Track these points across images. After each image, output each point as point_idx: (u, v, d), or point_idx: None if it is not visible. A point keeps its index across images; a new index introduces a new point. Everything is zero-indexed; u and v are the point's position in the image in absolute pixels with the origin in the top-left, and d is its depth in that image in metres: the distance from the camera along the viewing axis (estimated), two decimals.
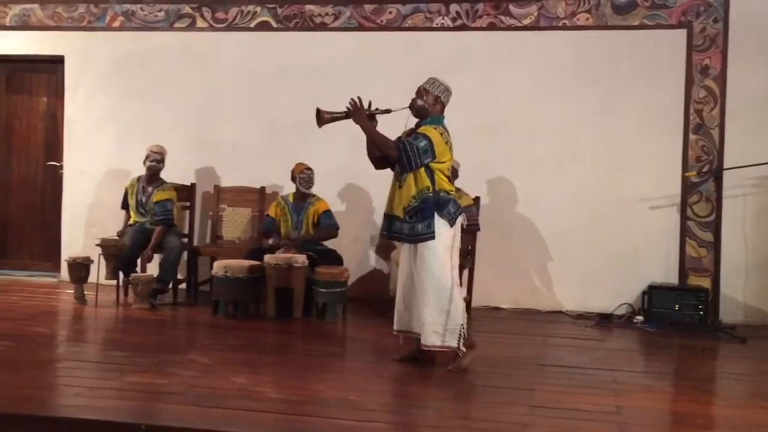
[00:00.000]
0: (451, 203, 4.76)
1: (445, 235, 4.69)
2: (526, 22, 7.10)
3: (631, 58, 6.91)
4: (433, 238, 4.68)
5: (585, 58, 6.98)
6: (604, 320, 6.54)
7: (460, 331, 4.69)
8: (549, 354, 5.54)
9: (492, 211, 6.92)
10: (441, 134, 4.83)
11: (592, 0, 6.96)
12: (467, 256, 6.54)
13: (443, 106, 5.05)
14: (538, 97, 7.02)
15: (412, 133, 4.97)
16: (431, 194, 4.73)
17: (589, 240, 6.92)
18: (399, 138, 4.99)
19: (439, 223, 4.68)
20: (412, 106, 5.04)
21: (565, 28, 7.02)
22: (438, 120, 4.96)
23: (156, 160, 6.92)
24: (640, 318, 6.53)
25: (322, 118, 5.18)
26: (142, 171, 7.05)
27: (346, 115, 5.13)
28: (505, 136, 6.90)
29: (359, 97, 4.98)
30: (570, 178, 6.97)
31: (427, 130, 4.84)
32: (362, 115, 5.06)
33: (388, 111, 5.14)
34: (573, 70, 7.00)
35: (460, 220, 4.79)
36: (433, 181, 4.76)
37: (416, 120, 5.01)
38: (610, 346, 5.83)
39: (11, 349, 4.97)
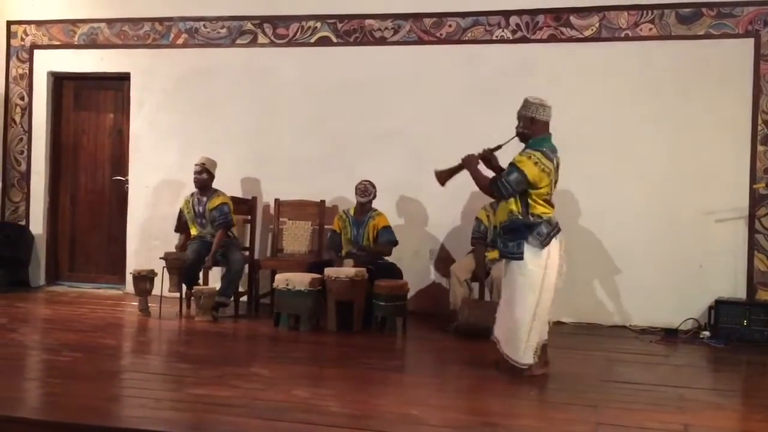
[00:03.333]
0: (543, 225, 4.84)
1: (534, 256, 4.81)
2: (588, 33, 7.02)
3: (696, 68, 6.77)
4: (521, 258, 4.81)
5: (649, 69, 6.87)
6: (670, 335, 6.41)
7: (529, 347, 4.88)
8: (613, 370, 5.42)
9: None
10: (535, 163, 4.83)
11: (655, 10, 6.85)
12: None
13: (544, 123, 5.02)
14: (602, 109, 6.93)
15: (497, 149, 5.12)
16: (521, 217, 4.87)
17: (653, 254, 6.79)
18: (494, 176, 5.11)
19: (529, 246, 4.81)
20: (517, 134, 5.07)
21: (628, 38, 6.92)
22: (538, 143, 4.95)
23: (197, 172, 7.00)
24: (706, 333, 6.38)
25: (442, 177, 5.38)
26: None
27: (460, 167, 5.28)
28: (569, 150, 6.72)
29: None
30: (634, 191, 6.85)
31: (520, 160, 4.88)
32: (473, 162, 5.18)
33: (498, 147, 5.18)
34: (637, 82, 6.89)
35: (555, 241, 4.85)
36: (526, 205, 4.87)
37: None
38: (676, 362, 5.70)
39: (78, 360, 5.07)
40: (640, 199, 6.85)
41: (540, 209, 4.87)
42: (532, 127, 4.98)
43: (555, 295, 4.96)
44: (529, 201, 4.85)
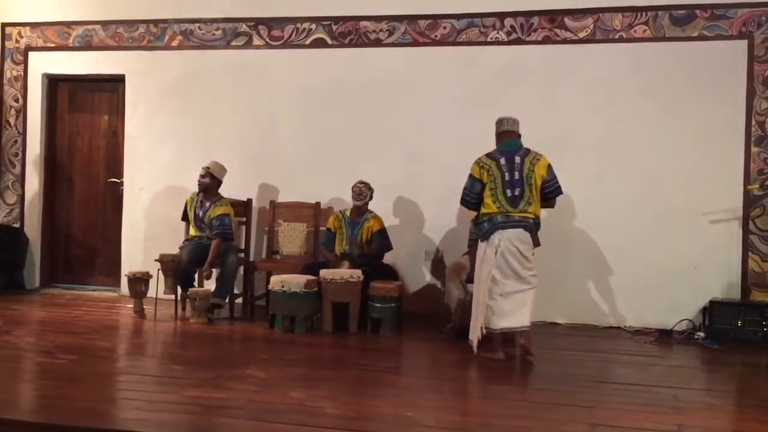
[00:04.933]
0: (486, 223, 5.47)
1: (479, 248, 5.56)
2: (582, 35, 7.04)
3: (690, 69, 6.80)
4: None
5: (643, 70, 6.89)
6: (664, 336, 6.42)
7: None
8: (608, 371, 5.44)
9: (548, 225, 6.82)
10: (476, 162, 5.64)
11: (649, 12, 6.87)
12: None
13: (499, 135, 5.75)
14: (596, 110, 6.95)
15: None
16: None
17: (647, 254, 6.81)
18: None
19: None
20: None
21: (622, 40, 6.94)
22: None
23: (201, 176, 7.00)
24: (701, 334, 6.40)
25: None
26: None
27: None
28: (562, 150, 6.80)
29: None
30: (628, 192, 6.87)
31: (471, 167, 5.67)
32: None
33: None
34: (631, 83, 6.91)
35: (493, 237, 5.40)
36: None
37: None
38: (671, 362, 5.71)
39: (74, 363, 5.06)
40: (634, 199, 6.87)
41: (485, 209, 5.50)
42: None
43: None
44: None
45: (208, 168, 7.00)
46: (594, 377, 5.12)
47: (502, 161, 5.48)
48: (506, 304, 5.40)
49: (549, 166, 5.50)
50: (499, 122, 5.71)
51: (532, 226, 5.44)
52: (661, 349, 6.09)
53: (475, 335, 5.44)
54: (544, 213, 6.77)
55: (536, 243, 5.46)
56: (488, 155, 5.56)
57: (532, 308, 5.47)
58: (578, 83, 7.03)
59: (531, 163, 5.44)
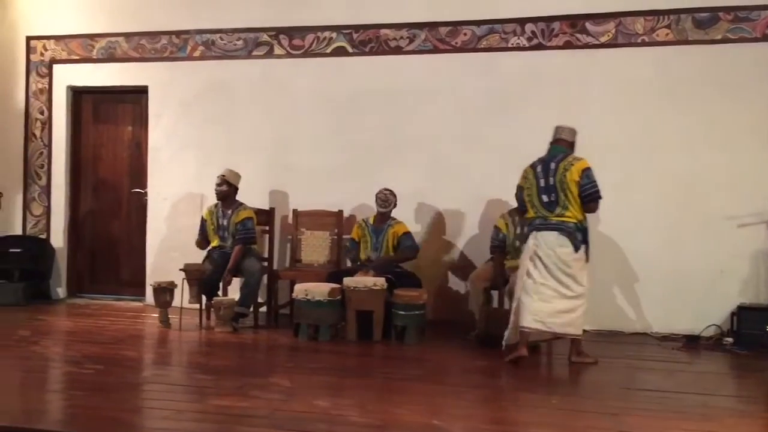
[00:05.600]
0: (527, 227, 5.70)
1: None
2: (604, 39, 7.01)
3: (714, 73, 6.75)
4: None
5: (666, 74, 6.85)
6: (692, 342, 6.36)
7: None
8: (635, 377, 5.38)
9: None
10: (523, 172, 5.78)
11: (672, 15, 6.83)
12: None
13: (552, 142, 5.80)
14: (619, 115, 6.91)
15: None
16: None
17: (674, 260, 6.76)
18: None
19: None
20: None
21: (644, 44, 6.90)
22: None
23: (217, 184, 7.03)
24: (729, 340, 6.32)
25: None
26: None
27: None
28: (585, 156, 6.78)
29: None
30: (653, 197, 6.82)
31: None
32: None
33: None
34: (654, 87, 6.87)
35: (529, 239, 5.60)
36: None
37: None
38: (699, 369, 5.66)
39: (101, 373, 5.09)
40: (659, 205, 6.82)
41: (528, 214, 5.70)
42: None
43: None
44: None
45: (224, 176, 7.04)
46: (621, 384, 5.07)
47: (539, 168, 5.57)
48: (539, 305, 5.41)
49: (584, 170, 5.46)
50: (554, 131, 5.76)
51: (573, 230, 5.43)
52: (688, 355, 6.04)
53: (508, 333, 5.57)
54: None
55: (576, 247, 5.42)
56: (531, 163, 5.68)
57: (578, 317, 5.46)
58: (600, 88, 7.00)
59: (564, 168, 5.46)
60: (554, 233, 5.45)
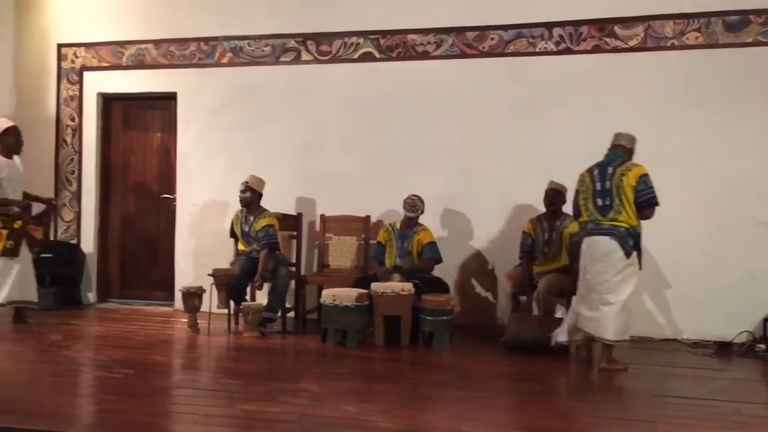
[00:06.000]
0: (582, 231, 5.72)
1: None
2: (633, 43, 6.97)
3: (745, 76, 6.68)
4: None
5: (697, 77, 6.79)
6: (723, 349, 6.28)
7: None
8: (666, 384, 5.33)
9: None
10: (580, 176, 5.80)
11: (701, 18, 6.78)
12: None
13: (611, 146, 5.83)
14: (648, 119, 6.84)
15: None
16: None
17: (705, 265, 6.70)
18: None
19: None
20: None
21: (674, 48, 6.86)
22: None
23: (242, 191, 7.05)
24: (762, 346, 6.24)
25: None
26: None
27: None
28: None
29: None
30: (684, 202, 6.73)
31: None
32: None
33: None
34: (685, 91, 6.82)
35: (583, 244, 5.65)
36: None
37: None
38: (731, 375, 5.59)
39: (131, 377, 5.13)
40: (689, 210, 6.75)
41: (582, 217, 5.70)
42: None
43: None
44: None
45: (248, 183, 7.07)
46: (652, 391, 5.02)
47: (596, 172, 5.61)
48: (587, 311, 5.53)
49: (641, 176, 5.47)
50: (612, 137, 5.79)
51: (624, 235, 5.42)
52: (720, 361, 5.97)
53: (563, 334, 5.70)
54: None
55: (627, 252, 5.41)
56: (588, 168, 5.71)
57: (618, 323, 5.43)
58: (629, 92, 6.96)
59: (621, 174, 5.48)
60: (605, 237, 5.46)
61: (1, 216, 6.76)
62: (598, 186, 5.55)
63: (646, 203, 5.46)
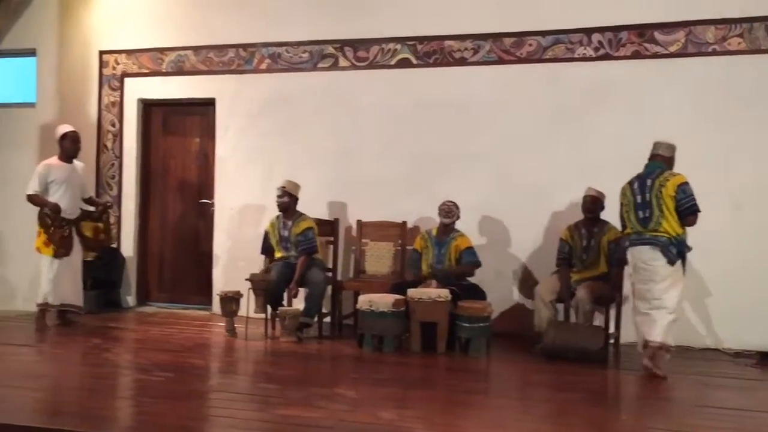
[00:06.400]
0: (627, 242, 5.79)
1: None
2: (673, 49, 6.89)
3: None
4: None
5: (739, 83, 6.70)
6: (766, 359, 6.17)
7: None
8: (707, 394, 5.25)
9: None
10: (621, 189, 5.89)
11: (744, 23, 6.68)
12: (616, 291, 6.39)
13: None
14: (689, 125, 6.75)
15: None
16: None
17: (746, 274, 6.59)
18: None
19: None
20: None
21: (715, 53, 6.77)
22: None
23: (278, 195, 7.09)
24: None
25: None
26: None
27: None
28: None
29: None
30: (725, 209, 6.65)
31: None
32: None
33: None
34: (727, 97, 6.74)
35: (627, 254, 5.76)
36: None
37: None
38: None
39: (170, 380, 5.18)
40: (731, 217, 6.66)
41: (626, 230, 5.78)
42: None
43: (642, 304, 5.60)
44: None
45: (284, 187, 7.10)
46: (693, 401, 4.97)
47: (636, 185, 5.71)
48: (640, 318, 5.62)
49: (680, 186, 5.54)
50: (652, 146, 5.85)
51: (666, 244, 5.51)
52: (763, 372, 5.87)
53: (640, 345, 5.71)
54: None
55: (671, 260, 5.49)
56: (629, 180, 5.82)
57: (663, 326, 5.49)
58: (670, 98, 6.88)
59: (660, 184, 5.57)
60: (647, 247, 5.55)
61: (48, 217, 6.95)
62: (639, 199, 5.64)
63: (688, 211, 5.51)
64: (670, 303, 5.48)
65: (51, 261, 7.00)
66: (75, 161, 7.25)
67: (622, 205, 5.83)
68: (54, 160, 7.15)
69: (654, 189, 5.56)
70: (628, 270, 5.88)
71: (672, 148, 5.76)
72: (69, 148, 7.17)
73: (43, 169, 7.05)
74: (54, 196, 7.00)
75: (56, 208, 6.96)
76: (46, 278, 7.03)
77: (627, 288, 6.36)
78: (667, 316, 5.47)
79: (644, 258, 5.55)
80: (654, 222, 5.54)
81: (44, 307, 7.08)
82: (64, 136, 7.18)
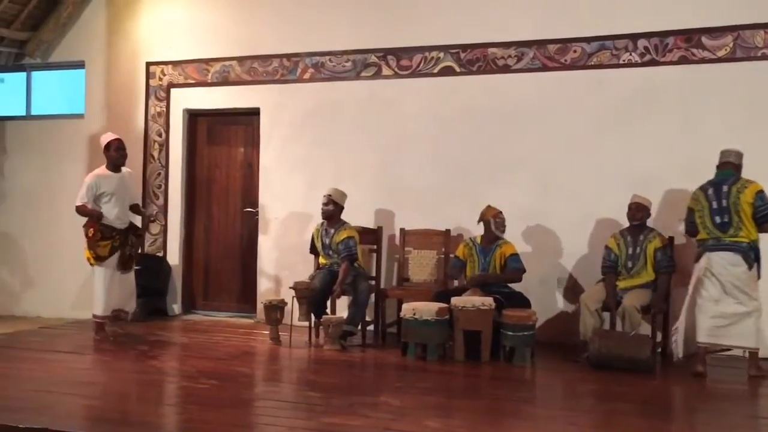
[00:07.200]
0: (699, 247, 5.90)
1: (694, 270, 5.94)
2: (721, 53, 6.78)
3: None
4: None
5: None
6: None
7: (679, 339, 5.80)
8: (763, 405, 5.13)
9: (689, 251, 6.59)
10: (692, 195, 6.05)
11: None
12: (664, 299, 6.30)
13: (716, 168, 5.99)
14: (737, 131, 6.61)
15: None
16: None
17: None
18: None
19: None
20: None
21: (764, 58, 6.64)
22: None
23: (324, 204, 7.11)
24: None
25: None
26: None
27: None
28: (700, 174, 6.53)
29: None
30: None
31: None
32: None
33: None
34: None
35: (702, 259, 5.82)
36: None
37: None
38: None
39: (216, 388, 5.22)
40: None
41: (699, 235, 5.89)
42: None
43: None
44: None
45: (330, 195, 7.12)
46: (749, 413, 4.85)
47: (710, 191, 5.84)
48: (713, 321, 5.70)
49: (758, 193, 5.71)
50: (720, 155, 5.97)
51: (746, 249, 5.69)
52: None
53: (678, 347, 5.80)
54: (681, 238, 6.61)
55: (750, 265, 5.68)
56: (701, 186, 5.94)
57: (754, 329, 5.65)
58: (718, 104, 6.76)
59: (737, 191, 5.72)
60: (728, 253, 5.71)
61: (106, 229, 7.00)
62: (715, 204, 5.77)
63: (765, 218, 5.71)
64: (754, 304, 5.66)
65: (104, 271, 7.01)
66: (123, 169, 7.27)
67: (692, 210, 5.95)
68: (102, 170, 7.16)
69: (731, 195, 5.71)
70: (696, 274, 5.86)
71: (740, 155, 5.89)
72: (114, 156, 7.18)
73: (92, 180, 7.05)
74: (105, 207, 7.02)
75: (99, 216, 7.00)
76: (101, 289, 7.02)
77: (675, 294, 6.28)
78: (757, 320, 5.65)
79: (725, 263, 5.68)
80: (734, 228, 5.69)
81: (101, 319, 7.08)
82: (108, 145, 7.18)
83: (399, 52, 7.81)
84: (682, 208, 6.58)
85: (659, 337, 6.36)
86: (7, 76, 9.73)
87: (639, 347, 5.84)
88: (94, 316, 7.08)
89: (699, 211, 5.88)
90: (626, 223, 6.54)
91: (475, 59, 7.55)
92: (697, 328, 5.77)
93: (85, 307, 7.47)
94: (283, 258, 8.14)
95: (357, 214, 7.40)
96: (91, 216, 7.01)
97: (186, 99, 8.69)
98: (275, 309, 6.92)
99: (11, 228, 9.31)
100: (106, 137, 7.27)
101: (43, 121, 9.32)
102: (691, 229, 6.03)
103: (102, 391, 5.32)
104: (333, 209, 7.11)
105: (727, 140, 6.56)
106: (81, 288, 8.51)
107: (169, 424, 4.60)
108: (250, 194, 8.55)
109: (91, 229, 6.97)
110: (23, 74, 9.52)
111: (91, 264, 7.05)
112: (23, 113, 9.51)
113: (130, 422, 4.40)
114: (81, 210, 7.04)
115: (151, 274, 8.26)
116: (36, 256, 9.18)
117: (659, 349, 6.36)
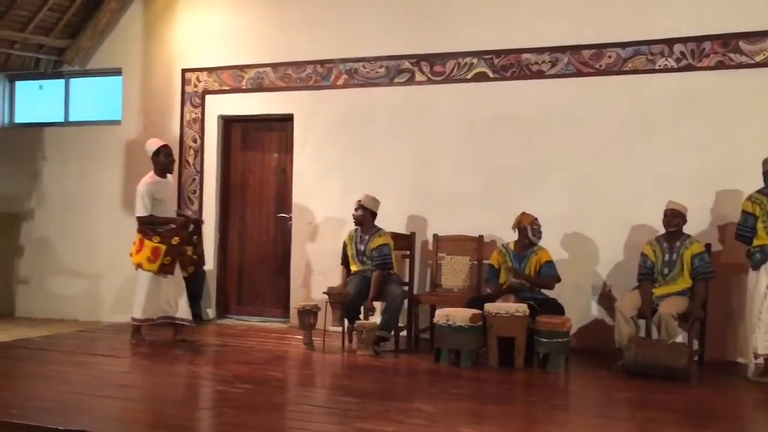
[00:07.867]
0: (758, 253, 5.89)
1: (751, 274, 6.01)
2: (759, 58, 6.70)
3: None
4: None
5: None
6: None
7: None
8: None
9: (725, 258, 6.53)
10: (748, 198, 6.06)
11: None
12: (701, 306, 6.22)
13: (765, 174, 6.02)
14: None
15: None
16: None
17: None
18: None
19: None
20: None
21: None
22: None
23: (355, 209, 7.13)
24: None
25: None
26: None
27: None
28: (738, 181, 6.48)
29: None
30: None
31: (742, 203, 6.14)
32: None
33: None
34: None
35: (765, 266, 5.82)
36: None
37: None
38: None
39: (250, 392, 5.25)
40: None
41: (759, 240, 5.87)
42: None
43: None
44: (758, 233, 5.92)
45: (361, 201, 7.14)
46: None
47: None
48: None
49: None
50: (765, 162, 5.98)
51: None
52: None
53: (749, 359, 5.91)
54: (718, 245, 6.55)
55: None
56: (759, 191, 5.95)
57: None
58: (755, 110, 6.68)
59: None
60: None
61: (161, 232, 6.98)
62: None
63: None
64: None
65: (151, 277, 6.93)
66: (168, 175, 7.20)
67: (750, 215, 5.96)
68: (152, 177, 7.05)
69: None
70: (751, 282, 5.94)
71: None
72: (165, 162, 7.11)
73: (148, 187, 6.94)
74: (158, 214, 6.99)
75: (186, 223, 7.05)
76: (143, 294, 6.95)
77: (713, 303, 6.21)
78: None
79: None
80: None
81: (140, 323, 7.05)
82: (158, 151, 7.09)
83: (432, 58, 7.81)
84: (718, 215, 6.54)
85: (696, 345, 6.29)
86: (46, 84, 9.90)
87: (675, 356, 5.78)
88: (133, 319, 7.10)
89: (762, 215, 5.89)
90: (662, 230, 6.48)
91: (508, 65, 7.54)
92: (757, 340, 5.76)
93: (122, 311, 7.55)
94: (316, 263, 8.17)
95: (390, 220, 7.41)
96: (175, 223, 7.04)
97: (221, 105, 8.77)
98: (308, 314, 6.95)
99: (50, 233, 9.44)
100: (154, 143, 7.21)
101: (81, 128, 9.46)
102: (747, 234, 6.00)
103: (139, 394, 5.38)
104: (363, 215, 7.13)
105: (764, 145, 6.50)
106: (118, 292, 8.63)
107: (204, 428, 4.65)
108: (283, 200, 8.60)
109: (177, 237, 6.97)
110: (62, 81, 9.69)
111: (144, 269, 6.93)
112: (62, 120, 9.68)
113: (167, 425, 4.44)
114: (151, 220, 6.94)
115: (186, 279, 8.29)
116: (73, 261, 9.30)
117: (696, 358, 6.28)
